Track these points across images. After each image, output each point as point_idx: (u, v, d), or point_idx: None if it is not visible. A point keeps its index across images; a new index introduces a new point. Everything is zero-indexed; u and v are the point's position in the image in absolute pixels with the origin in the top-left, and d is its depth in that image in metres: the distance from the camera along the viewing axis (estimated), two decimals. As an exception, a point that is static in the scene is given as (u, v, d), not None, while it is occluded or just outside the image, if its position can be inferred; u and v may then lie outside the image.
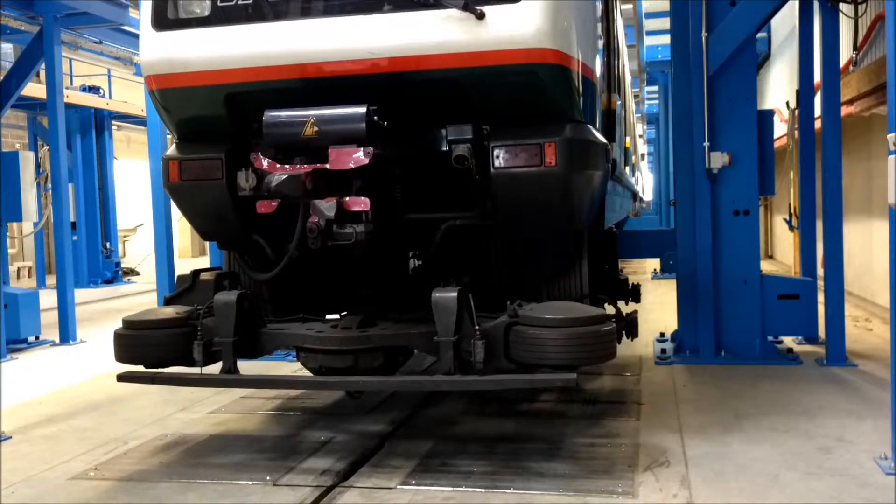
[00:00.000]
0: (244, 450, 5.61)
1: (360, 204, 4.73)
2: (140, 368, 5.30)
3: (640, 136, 27.26)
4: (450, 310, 4.68)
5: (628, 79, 14.10)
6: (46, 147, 17.19)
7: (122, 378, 5.26)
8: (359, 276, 5.67)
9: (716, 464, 5.02)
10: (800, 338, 8.74)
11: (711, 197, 7.97)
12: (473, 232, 5.30)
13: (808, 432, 5.60)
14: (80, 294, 14.25)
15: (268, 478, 4.97)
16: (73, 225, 17.80)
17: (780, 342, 8.45)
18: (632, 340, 6.43)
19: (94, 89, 19.26)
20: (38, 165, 13.64)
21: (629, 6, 14.24)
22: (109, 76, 20.87)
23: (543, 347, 4.56)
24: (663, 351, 8.30)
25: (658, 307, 12.43)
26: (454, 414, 6.41)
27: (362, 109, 4.64)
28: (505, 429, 5.96)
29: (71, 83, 19.36)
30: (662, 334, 8.87)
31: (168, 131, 5.59)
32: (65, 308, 10.68)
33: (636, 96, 19.88)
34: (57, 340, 10.69)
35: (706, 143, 7.86)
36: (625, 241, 8.01)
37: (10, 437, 6.08)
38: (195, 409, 6.82)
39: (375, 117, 4.70)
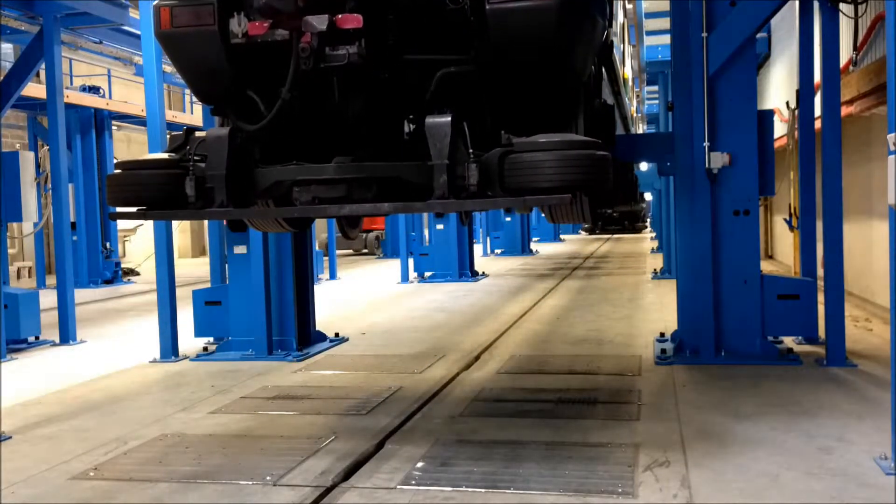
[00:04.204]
0: (244, 450, 5.61)
1: (353, 21, 4.66)
2: None
3: (641, 136, 27.21)
4: (443, 133, 4.66)
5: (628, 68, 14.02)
6: (46, 147, 17.20)
7: (113, 216, 5.29)
8: (353, 138, 5.58)
9: (716, 464, 5.02)
10: (800, 338, 8.74)
11: (711, 197, 7.97)
12: (467, 84, 5.22)
13: (809, 432, 5.61)
14: (80, 294, 14.28)
15: (268, 478, 4.97)
16: (73, 225, 17.81)
17: (780, 342, 8.44)
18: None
19: (94, 89, 19.27)
20: (38, 165, 13.60)
21: (629, 6, 14.23)
22: (109, 76, 20.92)
23: (539, 170, 4.53)
24: (663, 351, 8.30)
25: (658, 307, 12.45)
26: (454, 415, 6.43)
27: None
28: (505, 429, 5.96)
29: (71, 83, 19.39)
30: (662, 334, 8.87)
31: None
32: (65, 308, 10.69)
33: (636, 96, 19.85)
34: (57, 340, 10.69)
35: (706, 143, 7.87)
36: (623, 144, 7.87)
37: (10, 437, 6.08)
38: (195, 409, 6.83)
39: None
